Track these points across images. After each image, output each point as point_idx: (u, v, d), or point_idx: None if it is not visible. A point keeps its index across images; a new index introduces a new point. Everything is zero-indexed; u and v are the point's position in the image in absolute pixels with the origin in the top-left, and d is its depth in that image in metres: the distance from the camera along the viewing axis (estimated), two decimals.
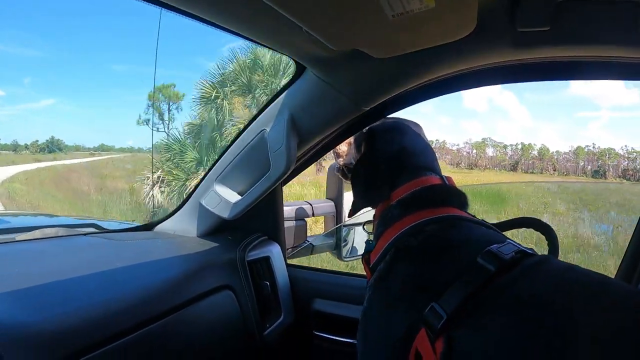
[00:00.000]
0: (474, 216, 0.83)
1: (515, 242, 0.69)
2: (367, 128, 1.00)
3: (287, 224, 1.39)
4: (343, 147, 1.07)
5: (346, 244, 1.53)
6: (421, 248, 0.74)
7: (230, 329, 1.07)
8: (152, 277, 0.95)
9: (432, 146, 0.97)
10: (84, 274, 0.89)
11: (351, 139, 1.06)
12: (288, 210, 1.41)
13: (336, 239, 1.54)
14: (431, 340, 0.61)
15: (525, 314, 0.57)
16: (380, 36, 0.73)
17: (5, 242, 1.05)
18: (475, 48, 0.82)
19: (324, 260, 2.32)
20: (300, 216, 1.45)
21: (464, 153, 25.65)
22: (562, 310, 0.55)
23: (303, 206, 1.46)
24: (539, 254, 0.69)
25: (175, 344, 0.91)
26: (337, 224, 1.54)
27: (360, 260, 0.91)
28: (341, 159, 1.08)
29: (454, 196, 0.84)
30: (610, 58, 0.83)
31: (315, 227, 1.90)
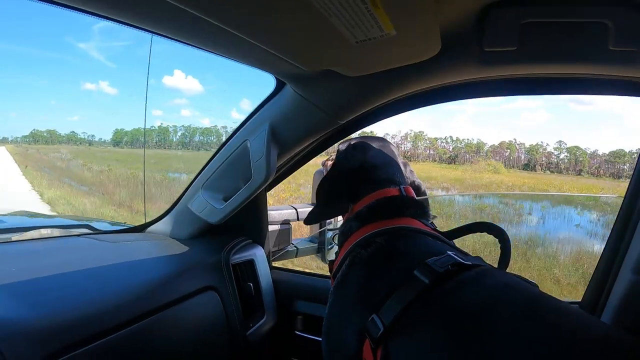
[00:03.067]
0: (430, 224, 0.88)
1: (456, 253, 0.73)
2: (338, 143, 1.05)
3: (272, 227, 1.44)
4: (329, 163, 1.12)
5: (331, 247, 1.57)
6: (369, 259, 0.79)
7: (214, 328, 1.12)
8: (139, 277, 1.01)
9: None
10: (76, 273, 0.95)
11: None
12: (273, 215, 1.45)
13: (319, 243, 1.58)
14: (373, 350, 0.66)
15: (453, 326, 0.61)
16: (349, 58, 0.77)
17: (2, 242, 1.10)
18: (442, 67, 0.87)
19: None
20: (285, 220, 1.50)
21: None
22: (488, 325, 0.58)
23: (288, 210, 1.51)
24: (483, 264, 0.73)
25: (161, 341, 0.96)
26: (320, 228, 1.58)
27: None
28: None
29: (409, 207, 0.88)
30: (580, 75, 0.87)
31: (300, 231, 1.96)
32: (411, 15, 0.61)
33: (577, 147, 19.03)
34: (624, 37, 0.72)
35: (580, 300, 1.22)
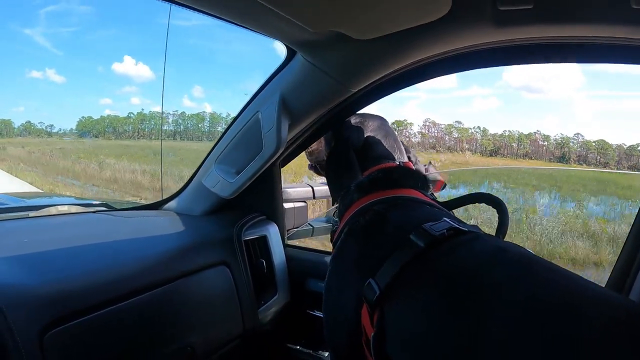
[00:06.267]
0: (430, 195, 0.89)
1: (453, 220, 0.73)
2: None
3: (287, 205, 1.42)
4: (314, 145, 1.16)
5: None
6: (366, 226, 0.80)
7: (225, 303, 1.12)
8: (149, 250, 1.02)
9: None
10: (87, 245, 0.96)
11: (322, 138, 1.14)
12: (289, 192, 1.44)
13: (335, 223, 1.55)
14: (370, 314, 0.66)
15: (446, 289, 0.61)
16: (356, 17, 0.74)
17: (19, 218, 1.12)
18: (455, 28, 0.82)
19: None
20: (301, 198, 1.47)
21: None
22: (480, 287, 0.58)
23: (304, 188, 1.49)
24: (479, 231, 0.72)
25: (169, 313, 0.97)
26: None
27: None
28: (313, 157, 1.17)
29: (408, 178, 0.89)
30: (598, 39, 0.81)
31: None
32: None
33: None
34: None
35: (604, 284, 1.17)
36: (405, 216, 0.78)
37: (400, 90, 1.03)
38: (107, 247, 0.98)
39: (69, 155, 14.63)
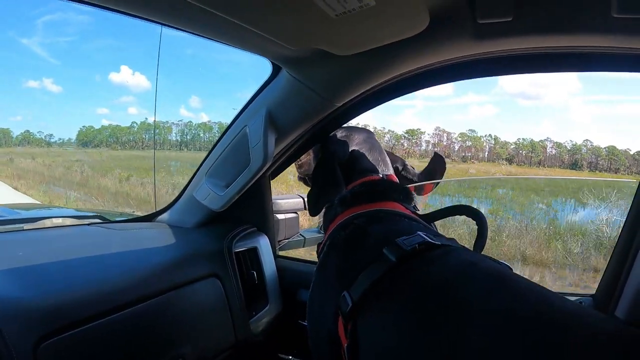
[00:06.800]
0: (412, 207, 0.91)
1: (427, 234, 0.74)
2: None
3: (279, 216, 1.44)
4: (303, 158, 1.19)
5: None
6: (347, 240, 0.83)
7: (216, 314, 1.14)
8: (142, 262, 1.04)
9: None
10: (81, 258, 0.98)
11: (310, 151, 1.16)
12: (280, 203, 1.45)
13: None
14: (344, 325, 0.69)
15: (416, 303, 0.63)
16: (333, 34, 0.76)
17: (14, 231, 1.14)
18: (435, 42, 0.84)
19: None
20: (292, 209, 1.49)
21: None
22: (450, 302, 0.59)
23: (295, 199, 1.51)
24: (455, 244, 0.74)
25: (160, 325, 0.98)
26: None
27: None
28: (302, 169, 1.20)
29: (391, 192, 0.92)
30: (579, 48, 0.83)
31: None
32: None
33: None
34: (628, 2, 0.66)
35: (593, 293, 1.18)
36: (384, 230, 0.80)
37: (397, 99, 1.05)
38: (100, 260, 1.00)
39: (97, 169, 12.85)
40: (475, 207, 0.91)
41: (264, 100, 1.05)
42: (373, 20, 0.70)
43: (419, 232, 0.73)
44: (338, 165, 1.00)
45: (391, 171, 1.04)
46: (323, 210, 1.02)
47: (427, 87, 1.00)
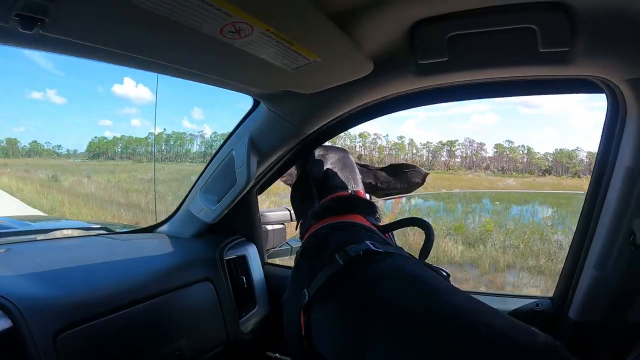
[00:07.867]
0: (375, 220, 1.05)
1: (374, 242, 0.87)
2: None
3: (268, 227, 1.60)
4: (293, 170, 1.34)
5: None
6: (313, 247, 0.98)
7: (209, 314, 1.29)
8: (145, 268, 1.19)
9: None
10: (91, 265, 1.13)
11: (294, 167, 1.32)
12: (268, 216, 1.61)
13: None
14: (305, 317, 0.85)
15: (349, 298, 0.81)
16: (296, 81, 0.93)
17: (28, 241, 1.30)
18: (384, 80, 1.00)
19: None
20: (280, 221, 1.65)
21: None
22: (374, 297, 0.76)
23: (282, 212, 1.66)
24: (399, 252, 0.89)
25: (161, 321, 1.13)
26: None
27: None
28: (284, 178, 1.36)
29: (357, 206, 1.06)
30: (511, 78, 0.97)
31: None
32: (328, 46, 0.75)
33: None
34: (553, 39, 0.78)
35: (551, 296, 1.27)
36: (342, 238, 0.93)
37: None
38: (108, 266, 1.15)
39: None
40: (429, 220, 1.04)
41: (247, 129, 1.21)
42: (322, 71, 0.86)
43: (366, 241, 0.87)
44: (313, 182, 1.13)
45: (360, 187, 1.16)
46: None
47: (383, 115, 1.16)
